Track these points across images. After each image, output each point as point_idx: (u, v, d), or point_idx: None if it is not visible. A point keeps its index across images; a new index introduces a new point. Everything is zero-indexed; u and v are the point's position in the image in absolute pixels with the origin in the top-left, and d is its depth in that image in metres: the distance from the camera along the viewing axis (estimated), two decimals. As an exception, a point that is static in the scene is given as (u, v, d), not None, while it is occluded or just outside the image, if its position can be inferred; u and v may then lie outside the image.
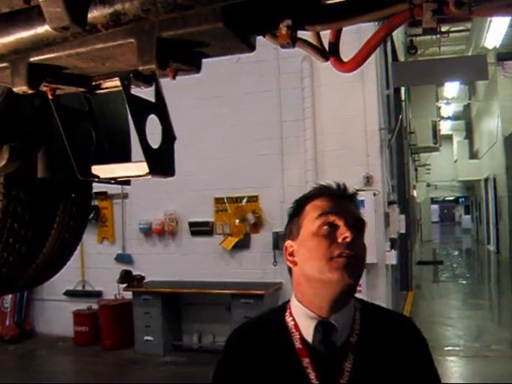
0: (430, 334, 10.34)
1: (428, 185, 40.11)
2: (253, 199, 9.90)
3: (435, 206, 57.93)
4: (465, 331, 11.13)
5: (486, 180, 29.45)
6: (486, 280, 20.69)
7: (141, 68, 1.68)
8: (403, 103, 15.93)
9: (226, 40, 1.64)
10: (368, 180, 9.16)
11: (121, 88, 2.05)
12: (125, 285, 9.89)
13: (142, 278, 9.98)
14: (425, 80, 12.29)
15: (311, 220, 1.75)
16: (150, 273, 10.14)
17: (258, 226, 9.77)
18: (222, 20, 1.53)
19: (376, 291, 9.04)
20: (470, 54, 19.84)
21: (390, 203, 9.81)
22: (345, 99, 9.31)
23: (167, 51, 1.65)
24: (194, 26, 1.56)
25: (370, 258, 8.64)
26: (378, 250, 9.00)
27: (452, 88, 24.96)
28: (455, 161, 36.92)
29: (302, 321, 1.75)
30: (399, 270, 12.11)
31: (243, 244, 9.87)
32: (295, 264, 1.78)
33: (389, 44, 11.62)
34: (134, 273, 10.01)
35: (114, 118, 2.61)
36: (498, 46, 17.56)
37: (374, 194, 9.02)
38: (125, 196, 10.69)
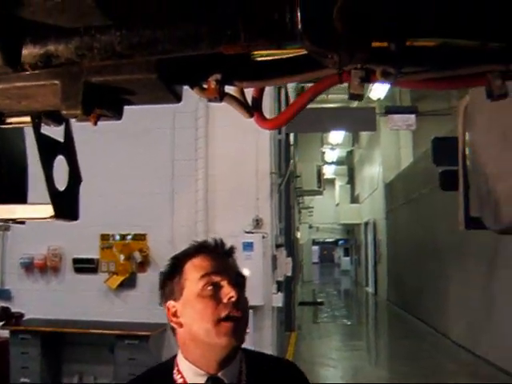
0: (312, 374, 10.48)
1: (310, 227, 41.08)
2: (141, 237, 9.74)
3: (315, 247, 59.20)
4: (344, 371, 11.38)
5: (366, 224, 30.56)
6: (364, 321, 21.31)
7: (64, 112, 1.62)
8: (291, 147, 16.32)
9: (157, 90, 1.62)
10: (258, 223, 9.26)
11: (24, 125, 1.99)
12: (2, 323, 9.38)
13: (21, 315, 9.50)
14: (316, 127, 12.72)
15: (194, 281, 1.72)
16: (30, 310, 9.67)
17: (145, 265, 9.61)
18: (156, 71, 1.51)
19: (262, 333, 9.08)
20: (355, 103, 20.69)
21: (278, 246, 9.95)
22: (238, 142, 9.41)
23: (93, 97, 1.61)
24: (126, 74, 1.53)
25: (256, 301, 8.73)
26: (265, 293, 9.07)
27: (337, 135, 25.87)
28: (337, 204, 38.11)
29: (191, 378, 1.74)
30: (283, 311, 12.24)
31: (129, 283, 9.66)
32: (181, 325, 1.74)
33: (283, 90, 11.92)
34: (13, 310, 9.52)
35: (13, 154, 2.50)
36: (382, 98, 18.49)
37: (263, 237, 9.12)
38: (6, 228, 10.21)
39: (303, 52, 1.59)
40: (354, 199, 36.47)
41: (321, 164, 25.66)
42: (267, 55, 1.70)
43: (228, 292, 1.68)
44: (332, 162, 37.24)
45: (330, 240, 57.82)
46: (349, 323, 19.12)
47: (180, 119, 9.58)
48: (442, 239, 14.70)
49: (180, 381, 1.74)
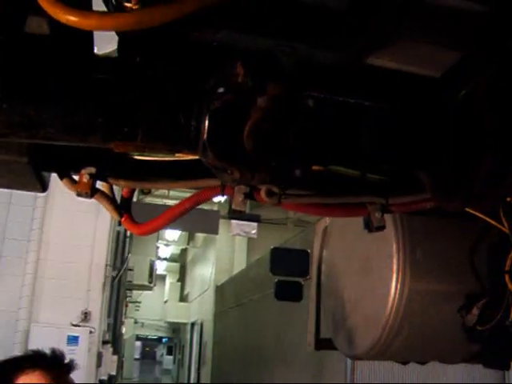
0: None
1: (136, 322, 39.95)
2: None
3: (138, 343, 57.51)
4: None
5: (193, 324, 30.20)
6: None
7: None
8: (127, 240, 15.96)
9: (23, 175, 1.45)
10: (86, 316, 8.80)
11: None
12: None
13: None
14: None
15: None
16: None
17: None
18: (28, 155, 1.34)
19: None
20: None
21: (105, 342, 9.50)
22: (76, 228, 9.05)
23: None
24: (-9, 153, 1.35)
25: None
26: (86, 392, 8.53)
27: (174, 232, 25.78)
28: (165, 301, 37.51)
29: None
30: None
31: None
32: None
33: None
34: None
35: None
36: (222, 201, 18.76)
37: (91, 332, 8.66)
38: None
39: (189, 158, 1.51)
40: (183, 298, 36.13)
41: (154, 259, 25.32)
42: (148, 155, 1.60)
43: None
44: (165, 258, 36.94)
45: (154, 337, 56.46)
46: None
47: (17, 195, 9.03)
48: (268, 346, 14.77)
49: None
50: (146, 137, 1.15)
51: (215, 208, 17.49)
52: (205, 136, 1.12)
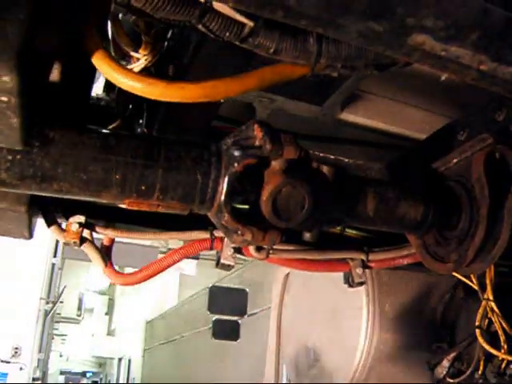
0: None
1: (61, 355, 38.69)
2: None
3: (61, 377, 55.75)
4: None
5: (121, 359, 29.52)
6: None
7: None
8: (60, 271, 15.57)
9: (15, 223, 1.42)
10: (16, 352, 8.50)
11: None
12: None
13: None
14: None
15: None
16: None
17: None
18: (27, 204, 1.31)
19: None
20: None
21: (35, 379, 9.18)
22: (10, 258, 8.79)
23: None
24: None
25: None
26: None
27: (105, 263, 25.30)
28: (92, 335, 36.56)
29: None
30: None
31: None
32: None
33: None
34: None
35: None
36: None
37: (21, 369, 8.37)
38: None
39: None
40: (111, 332, 35.30)
41: (83, 292, 24.84)
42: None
43: None
44: (94, 291, 36.13)
45: (78, 371, 54.73)
46: None
47: None
48: (200, 381, 14.60)
49: None
50: (162, 195, 1.15)
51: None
52: (222, 197, 1.13)
